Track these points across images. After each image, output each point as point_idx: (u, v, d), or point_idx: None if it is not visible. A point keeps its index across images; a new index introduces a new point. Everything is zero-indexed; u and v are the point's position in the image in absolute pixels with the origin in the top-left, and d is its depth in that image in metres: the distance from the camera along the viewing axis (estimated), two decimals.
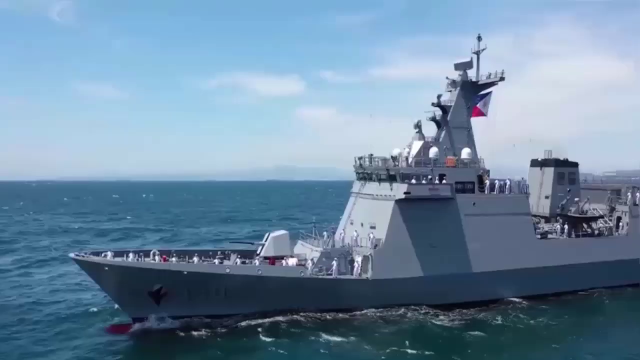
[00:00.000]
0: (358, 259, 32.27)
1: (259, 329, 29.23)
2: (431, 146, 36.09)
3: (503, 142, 38.65)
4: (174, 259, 31.03)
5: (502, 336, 29.11)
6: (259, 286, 30.32)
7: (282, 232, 34.14)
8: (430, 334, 28.96)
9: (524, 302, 34.67)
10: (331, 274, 31.57)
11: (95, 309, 32.99)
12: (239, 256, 32.59)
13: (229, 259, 33.09)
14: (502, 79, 37.10)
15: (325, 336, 28.10)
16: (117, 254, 30.95)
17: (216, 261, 31.49)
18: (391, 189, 33.52)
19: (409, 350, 26.43)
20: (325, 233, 34.70)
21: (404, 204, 32.84)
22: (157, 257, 30.76)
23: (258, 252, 33.68)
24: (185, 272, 29.40)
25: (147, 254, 31.74)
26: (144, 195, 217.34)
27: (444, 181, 34.02)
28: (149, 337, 28.75)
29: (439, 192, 33.41)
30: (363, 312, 31.58)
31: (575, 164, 42.03)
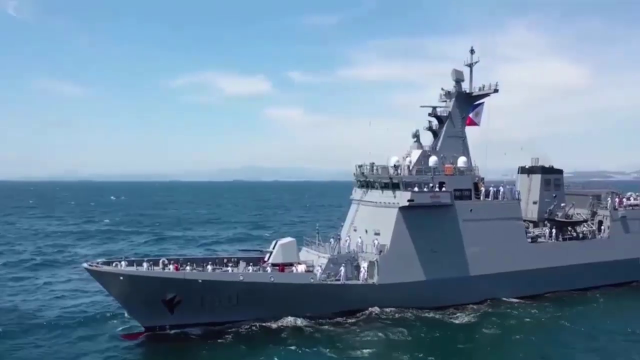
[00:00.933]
0: (364, 265, 33.42)
1: (271, 335, 29.95)
2: (430, 155, 37.65)
3: (494, 149, 40.42)
4: (188, 267, 31.57)
5: (507, 334, 30.80)
6: (271, 293, 31.10)
7: (290, 239, 34.96)
8: (441, 335, 30.29)
9: (520, 302, 36.57)
10: (339, 280, 32.65)
11: (107, 315, 33.27)
12: (250, 263, 33.32)
13: (237, 266, 33.91)
14: (496, 90, 38.95)
15: (336, 340, 29.10)
16: (129, 263, 31.27)
17: (229, 269, 32.13)
18: (394, 197, 34.77)
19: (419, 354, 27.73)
20: (332, 240, 35.69)
21: (407, 211, 34.19)
22: (171, 266, 31.24)
23: (266, 259, 34.45)
24: (200, 281, 29.93)
25: (156, 262, 32.23)
26: (113, 198, 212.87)
27: (443, 189, 35.56)
28: (163, 343, 29.20)
29: (439, 200, 34.91)
30: (370, 314, 32.73)
31: (560, 171, 44.39)
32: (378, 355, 27.58)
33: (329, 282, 32.32)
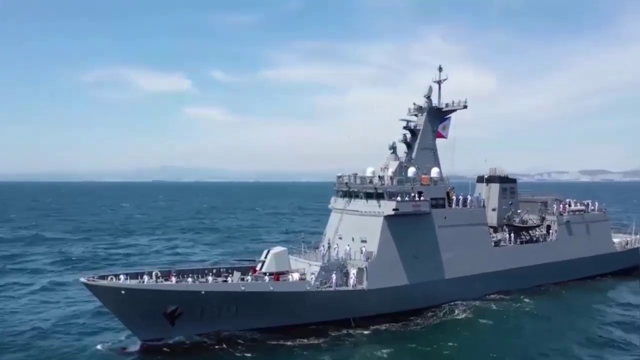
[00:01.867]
0: (353, 271, 35.09)
1: (269, 343, 30.66)
2: (406, 166, 40.15)
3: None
4: (190, 279, 31.67)
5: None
6: (270, 301, 31.94)
7: (282, 248, 35.85)
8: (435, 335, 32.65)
9: (490, 299, 40.15)
10: (331, 287, 34.08)
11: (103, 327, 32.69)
12: (248, 273, 33.95)
13: (231, 276, 34.42)
14: (465, 107, 42.19)
15: (337, 347, 30.56)
16: (129, 276, 30.92)
17: (229, 279, 32.55)
18: (379, 206, 36.73)
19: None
20: (321, 248, 37.01)
21: (392, 220, 36.30)
22: (173, 279, 31.17)
23: (258, 268, 35.15)
24: (204, 292, 30.20)
25: (148, 274, 32.03)
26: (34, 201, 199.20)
27: (422, 198, 38.09)
28: (161, 355, 29.16)
29: (420, 208, 37.37)
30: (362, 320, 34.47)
31: (515, 180, 48.69)
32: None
33: (324, 289, 33.64)
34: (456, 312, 36.89)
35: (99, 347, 29.43)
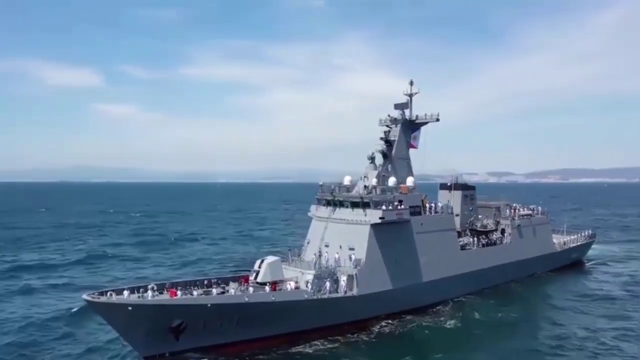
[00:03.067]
0: (343, 278, 36.39)
1: (272, 353, 31.42)
2: (384, 175, 42.14)
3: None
4: (195, 292, 31.42)
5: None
6: (270, 311, 32.45)
7: (275, 258, 36.38)
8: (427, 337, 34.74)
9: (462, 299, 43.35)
10: (325, 294, 35.17)
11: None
12: (241, 284, 34.33)
13: (227, 286, 34.50)
14: (437, 120, 44.91)
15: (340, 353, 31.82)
16: (132, 290, 30.18)
17: (231, 291, 32.66)
18: (365, 215, 38.33)
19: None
20: (313, 256, 37.93)
21: (377, 228, 38.02)
22: (179, 292, 30.77)
23: (252, 278, 35.48)
24: (209, 305, 30.15)
25: (152, 288, 31.39)
26: None
27: (402, 206, 40.18)
28: None
29: (402, 216, 39.45)
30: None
31: (474, 187, 52.40)
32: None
33: (320, 297, 34.63)
34: (434, 313, 39.42)
35: None
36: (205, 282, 35.40)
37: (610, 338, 33.98)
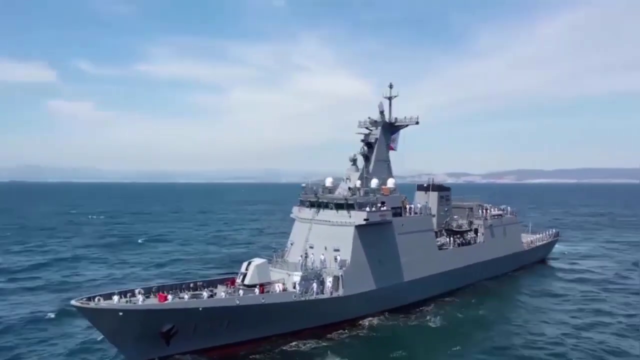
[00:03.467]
0: (329, 279, 36.77)
1: (262, 354, 31.46)
2: (367, 177, 42.77)
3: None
4: (186, 296, 31.07)
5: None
6: (261, 313, 32.48)
7: (262, 260, 36.38)
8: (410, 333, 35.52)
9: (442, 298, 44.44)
10: (312, 295, 35.44)
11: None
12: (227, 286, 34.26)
13: (215, 288, 34.38)
14: (417, 123, 45.87)
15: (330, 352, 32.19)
16: (121, 295, 29.60)
17: (223, 294, 32.47)
18: (350, 216, 38.81)
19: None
20: (299, 258, 38.09)
21: (362, 229, 38.57)
22: (170, 297, 30.37)
23: (239, 280, 35.39)
24: (201, 308, 29.93)
25: (140, 292, 30.94)
26: None
27: (384, 207, 40.90)
28: None
29: (385, 217, 40.15)
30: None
31: (449, 188, 53.76)
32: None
33: (308, 298, 34.87)
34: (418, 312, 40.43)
35: None
36: (191, 285, 35.18)
37: (582, 330, 36.32)
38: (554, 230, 69.86)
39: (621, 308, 42.20)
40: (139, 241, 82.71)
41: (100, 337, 30.93)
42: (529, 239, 63.17)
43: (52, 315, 37.76)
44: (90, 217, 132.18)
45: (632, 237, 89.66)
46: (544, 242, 65.11)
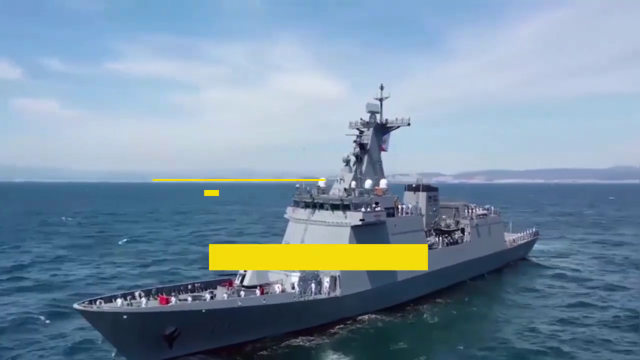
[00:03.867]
0: (326, 280, 37.04)
1: (262, 353, 31.54)
2: (361, 178, 43.23)
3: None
4: (190, 298, 30.91)
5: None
6: (262, 314, 32.55)
7: None
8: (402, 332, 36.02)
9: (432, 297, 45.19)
10: (310, 295, 35.66)
11: None
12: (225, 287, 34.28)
13: (214, 290, 34.32)
14: (408, 124, 46.56)
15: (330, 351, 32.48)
16: (123, 297, 29.29)
17: (224, 295, 32.39)
18: (345, 217, 39.15)
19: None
20: None
21: (357, 229, 38.98)
22: (173, 299, 30.15)
23: (237, 281, 35.34)
24: (204, 311, 29.82)
25: (142, 294, 30.74)
26: None
27: (378, 208, 41.40)
28: None
29: (380, 218, 40.67)
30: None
31: (437, 188, 54.69)
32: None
33: (307, 299, 35.07)
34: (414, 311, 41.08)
35: None
36: (190, 286, 35.07)
37: (568, 324, 37.86)
38: (533, 229, 71.74)
39: (601, 301, 44.38)
40: (120, 242, 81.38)
41: (96, 338, 30.52)
42: (511, 238, 64.72)
43: (43, 317, 37.05)
44: (64, 218, 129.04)
45: (601, 236, 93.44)
46: (525, 240, 66.87)
